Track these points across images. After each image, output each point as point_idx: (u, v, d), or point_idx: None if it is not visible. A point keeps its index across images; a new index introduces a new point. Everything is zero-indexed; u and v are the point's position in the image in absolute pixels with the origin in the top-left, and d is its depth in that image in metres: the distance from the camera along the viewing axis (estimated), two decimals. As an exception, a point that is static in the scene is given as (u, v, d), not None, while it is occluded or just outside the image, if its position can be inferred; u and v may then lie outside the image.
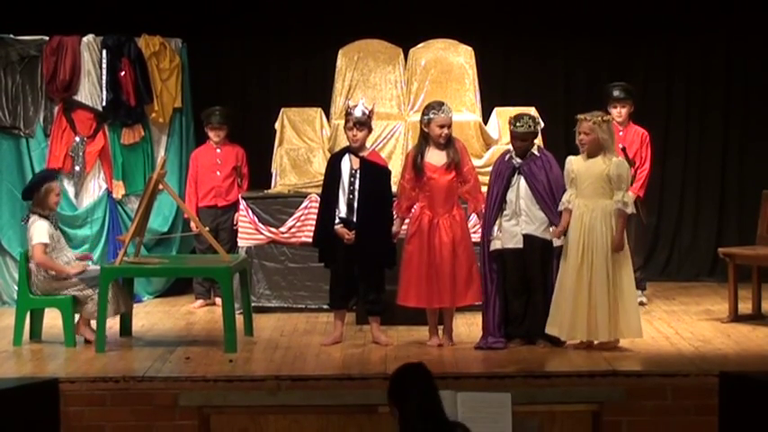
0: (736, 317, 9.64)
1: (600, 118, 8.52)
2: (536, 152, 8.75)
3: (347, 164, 8.90)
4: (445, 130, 8.74)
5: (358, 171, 8.87)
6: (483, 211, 8.83)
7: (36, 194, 8.99)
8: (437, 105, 8.82)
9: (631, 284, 8.53)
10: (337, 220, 8.85)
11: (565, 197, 8.54)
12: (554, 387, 7.72)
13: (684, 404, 7.66)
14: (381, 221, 8.84)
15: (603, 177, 8.44)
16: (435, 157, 8.78)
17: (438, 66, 10.94)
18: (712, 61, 12.05)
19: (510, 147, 8.94)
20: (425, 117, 8.78)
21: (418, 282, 8.74)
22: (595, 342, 8.50)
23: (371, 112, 8.96)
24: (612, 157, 8.48)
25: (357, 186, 8.85)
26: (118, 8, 11.46)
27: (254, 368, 8.11)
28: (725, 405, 7.53)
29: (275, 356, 8.50)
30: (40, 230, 8.88)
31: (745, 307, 9.83)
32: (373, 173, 8.89)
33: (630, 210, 8.51)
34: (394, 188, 9.26)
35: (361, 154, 8.91)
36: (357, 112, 8.84)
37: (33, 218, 8.98)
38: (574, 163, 8.57)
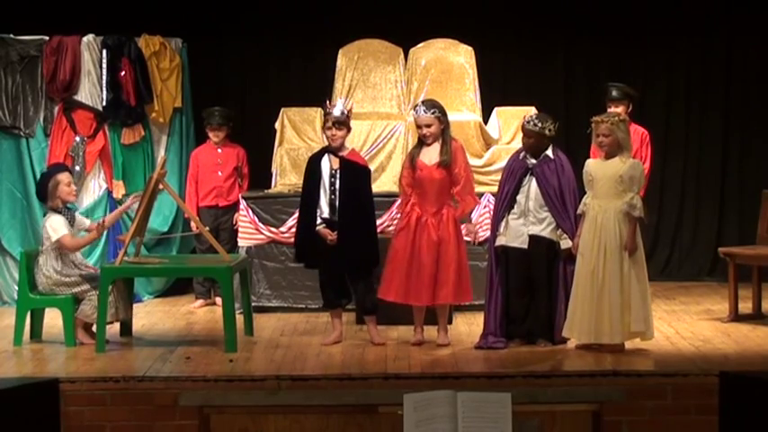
0: (736, 316, 9.64)
1: (617, 118, 8.55)
2: (550, 154, 8.73)
3: (327, 164, 8.85)
4: (425, 130, 8.75)
5: (338, 171, 8.84)
6: (470, 213, 8.89)
7: (45, 191, 9.00)
8: (418, 105, 8.90)
9: (643, 283, 8.39)
10: (319, 221, 8.84)
11: (584, 200, 8.53)
12: (554, 387, 7.71)
13: (684, 404, 7.66)
14: (363, 221, 8.82)
15: (617, 178, 8.41)
16: (428, 155, 8.79)
17: (438, 66, 10.93)
18: (712, 61, 12.05)
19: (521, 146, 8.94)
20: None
21: (399, 277, 8.72)
22: (603, 342, 8.45)
23: (350, 111, 8.95)
24: (629, 159, 8.47)
25: (338, 186, 8.82)
26: (118, 8, 11.46)
27: (254, 368, 8.10)
28: (725, 405, 7.53)
29: (275, 356, 8.50)
30: (57, 224, 8.88)
31: (746, 307, 9.83)
32: (353, 172, 8.84)
33: (638, 213, 8.39)
34: (379, 187, 9.23)
35: (340, 153, 8.88)
36: (336, 112, 8.82)
37: (48, 214, 9.01)
38: (591, 165, 8.58)
